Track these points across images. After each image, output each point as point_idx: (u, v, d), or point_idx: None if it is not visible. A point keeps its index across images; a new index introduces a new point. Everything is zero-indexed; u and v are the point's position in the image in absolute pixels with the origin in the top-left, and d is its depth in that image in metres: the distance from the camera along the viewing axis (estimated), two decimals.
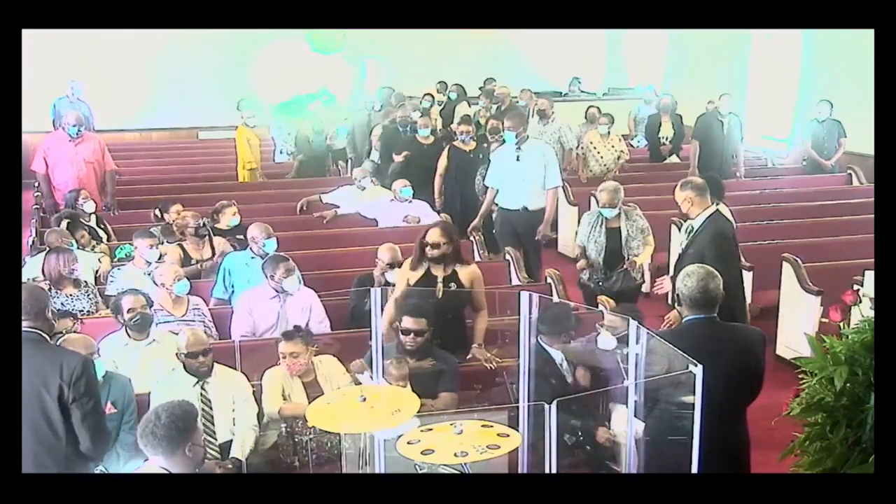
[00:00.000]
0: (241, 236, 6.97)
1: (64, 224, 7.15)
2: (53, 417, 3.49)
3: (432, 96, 12.73)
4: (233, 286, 6.23)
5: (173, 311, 5.69)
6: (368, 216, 8.26)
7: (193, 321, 5.65)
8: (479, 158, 8.69)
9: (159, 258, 6.34)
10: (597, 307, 5.97)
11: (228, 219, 7.17)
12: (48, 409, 3.49)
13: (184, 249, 6.75)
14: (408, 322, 4.87)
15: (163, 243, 6.80)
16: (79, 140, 8.44)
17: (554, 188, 7.52)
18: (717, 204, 6.30)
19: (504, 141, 7.74)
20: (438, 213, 8.25)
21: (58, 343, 4.42)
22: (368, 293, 4.91)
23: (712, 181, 6.08)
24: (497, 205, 7.70)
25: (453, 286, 5.40)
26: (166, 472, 3.19)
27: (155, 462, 3.21)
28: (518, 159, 7.40)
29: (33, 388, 3.47)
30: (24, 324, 3.55)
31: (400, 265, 5.81)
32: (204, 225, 6.90)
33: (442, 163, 8.73)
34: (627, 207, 6.54)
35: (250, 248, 6.33)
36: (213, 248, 6.84)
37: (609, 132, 10.25)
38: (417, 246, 5.49)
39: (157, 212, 7.70)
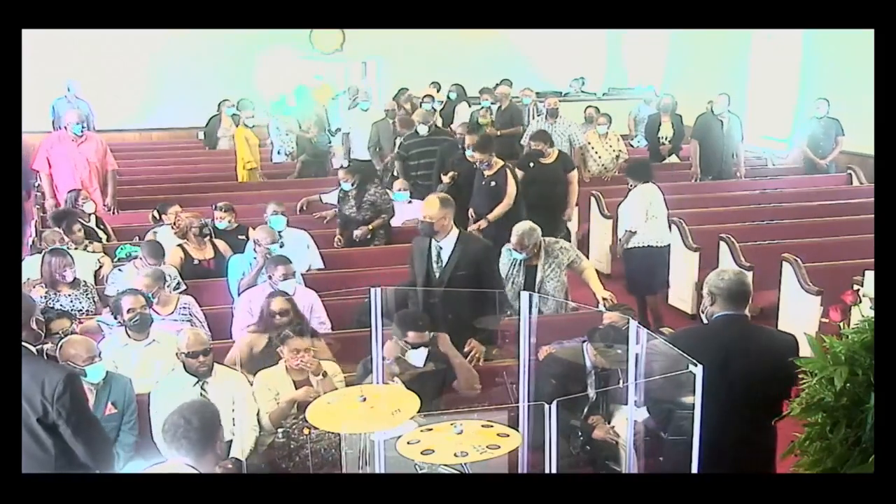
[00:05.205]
0: (243, 236, 6.96)
1: (57, 223, 7.12)
2: (40, 434, 3.43)
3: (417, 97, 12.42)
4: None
5: (160, 309, 5.65)
6: None
7: (177, 321, 5.62)
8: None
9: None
10: None
11: (223, 222, 7.12)
12: (33, 426, 3.41)
13: (185, 251, 6.72)
14: (414, 337, 4.74)
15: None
16: (82, 139, 8.43)
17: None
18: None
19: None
20: None
21: (60, 345, 4.43)
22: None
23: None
24: None
25: None
26: (194, 469, 3.19)
27: (181, 461, 3.22)
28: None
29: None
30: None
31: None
32: (206, 225, 6.89)
33: None
34: (550, 243, 6.02)
35: (254, 250, 6.31)
36: (215, 248, 6.82)
37: (607, 132, 10.25)
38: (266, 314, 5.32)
39: (156, 213, 7.67)
